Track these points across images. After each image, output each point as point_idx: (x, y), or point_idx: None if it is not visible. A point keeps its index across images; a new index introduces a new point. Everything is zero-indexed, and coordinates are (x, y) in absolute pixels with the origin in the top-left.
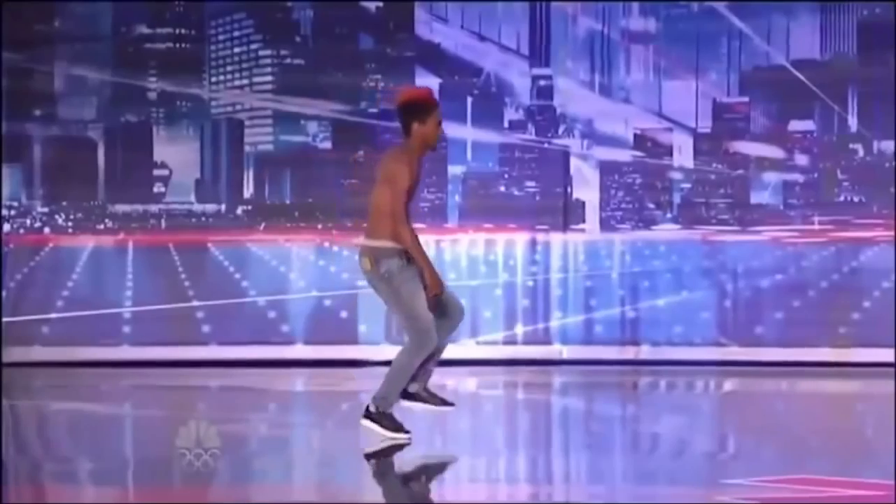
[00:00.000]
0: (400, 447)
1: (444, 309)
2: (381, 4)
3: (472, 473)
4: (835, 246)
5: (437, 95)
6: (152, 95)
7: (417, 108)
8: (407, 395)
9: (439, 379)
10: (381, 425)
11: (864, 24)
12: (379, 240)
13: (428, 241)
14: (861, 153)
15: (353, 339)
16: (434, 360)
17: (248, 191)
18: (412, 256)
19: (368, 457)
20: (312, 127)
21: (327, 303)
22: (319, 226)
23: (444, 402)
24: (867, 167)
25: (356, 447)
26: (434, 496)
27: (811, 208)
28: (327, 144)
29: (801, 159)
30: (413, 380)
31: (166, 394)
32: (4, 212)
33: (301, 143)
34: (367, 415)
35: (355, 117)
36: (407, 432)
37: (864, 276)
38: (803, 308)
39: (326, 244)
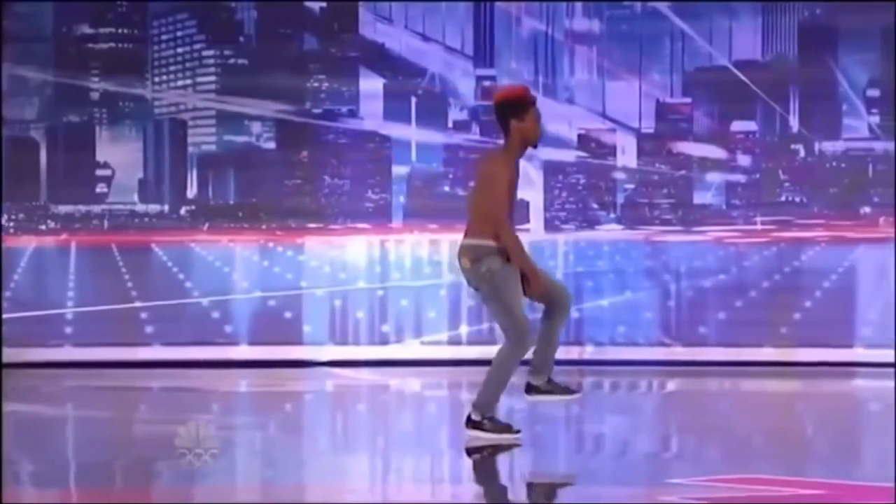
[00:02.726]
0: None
1: (551, 297)
2: (324, 5)
3: (417, 474)
4: (776, 246)
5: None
6: (95, 95)
7: (514, 105)
8: (530, 389)
9: (382, 378)
10: (486, 430)
11: (804, 25)
12: (479, 238)
13: (372, 242)
14: (802, 154)
15: (297, 340)
16: (552, 353)
17: (191, 191)
18: (511, 256)
19: (469, 450)
20: (256, 127)
21: (271, 303)
22: (263, 226)
23: (569, 391)
24: (808, 168)
25: (299, 448)
26: (377, 496)
27: (753, 209)
28: (271, 145)
29: (744, 160)
30: (534, 373)
31: (109, 395)
32: None
33: (245, 143)
34: (472, 423)
35: (299, 117)
36: (517, 431)
37: (806, 277)
38: (746, 308)
39: (270, 244)
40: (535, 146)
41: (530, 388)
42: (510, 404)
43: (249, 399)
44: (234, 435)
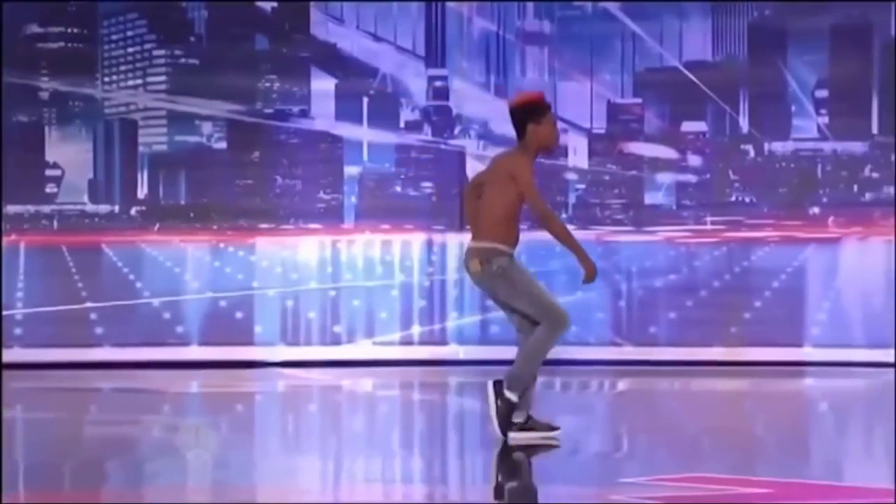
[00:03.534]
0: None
1: (550, 318)
2: (276, 5)
3: (368, 474)
4: (726, 246)
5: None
6: (44, 95)
7: (532, 110)
8: (511, 426)
9: (334, 379)
10: (497, 405)
11: (754, 26)
12: (491, 242)
13: (324, 242)
14: (752, 154)
15: (248, 341)
16: (534, 368)
17: (142, 191)
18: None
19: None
20: (207, 127)
21: (223, 304)
22: (215, 226)
23: (550, 427)
24: (758, 168)
25: (250, 448)
26: (328, 497)
27: (703, 209)
28: (222, 145)
29: (694, 160)
30: (517, 409)
31: (59, 396)
32: None
33: (196, 143)
34: (497, 386)
35: (250, 118)
36: (557, 428)
37: (755, 276)
38: (696, 308)
39: (222, 245)
40: (550, 151)
41: (497, 385)
42: (472, 404)
43: (201, 400)
44: (185, 436)
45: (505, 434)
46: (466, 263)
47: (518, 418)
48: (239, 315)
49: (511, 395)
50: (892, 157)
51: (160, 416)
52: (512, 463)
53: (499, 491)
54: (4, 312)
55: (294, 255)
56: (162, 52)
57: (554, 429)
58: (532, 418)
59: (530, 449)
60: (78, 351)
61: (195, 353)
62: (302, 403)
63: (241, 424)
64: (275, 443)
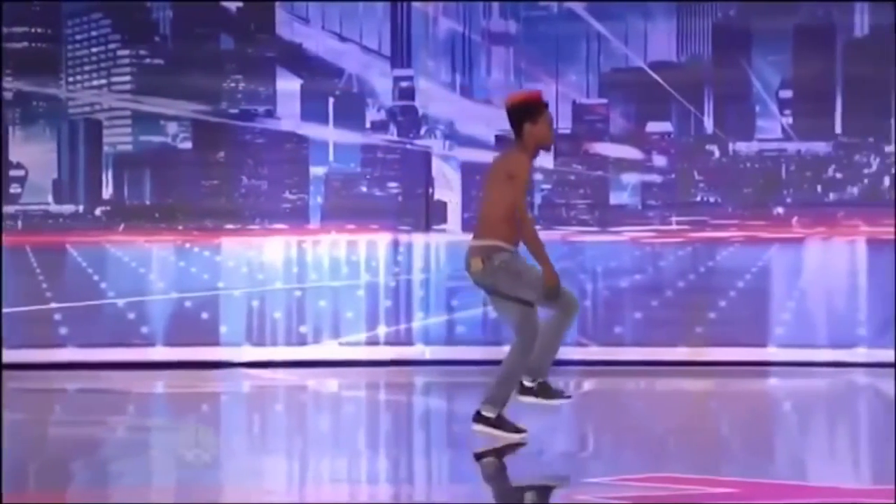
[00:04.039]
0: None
1: (561, 303)
2: (241, 5)
3: (334, 474)
4: (691, 246)
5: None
6: (8, 95)
7: (528, 109)
8: (525, 391)
9: (299, 379)
10: (502, 430)
11: (718, 27)
12: (491, 239)
13: (289, 243)
14: (717, 154)
15: (214, 341)
16: (551, 357)
17: (106, 191)
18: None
19: (478, 456)
20: (172, 127)
21: (188, 304)
22: (180, 226)
23: (561, 395)
24: (723, 168)
25: (216, 449)
26: (294, 497)
27: (669, 209)
28: (187, 145)
29: (659, 160)
30: (531, 373)
31: (23, 397)
32: None
33: (161, 143)
34: (482, 420)
35: (216, 118)
36: (523, 431)
37: (720, 276)
38: (661, 308)
39: (187, 245)
40: (547, 149)
41: (524, 390)
42: (438, 404)
43: (165, 400)
44: (150, 436)
45: (520, 430)
46: (467, 262)
47: (531, 382)
48: (204, 315)
49: (494, 416)
50: (856, 158)
51: (125, 416)
52: (478, 463)
53: (465, 491)
54: None
55: (260, 255)
56: (126, 52)
57: (521, 431)
58: (503, 418)
59: (496, 449)
60: (42, 352)
61: (160, 353)
62: (267, 404)
63: (206, 425)
64: (240, 443)
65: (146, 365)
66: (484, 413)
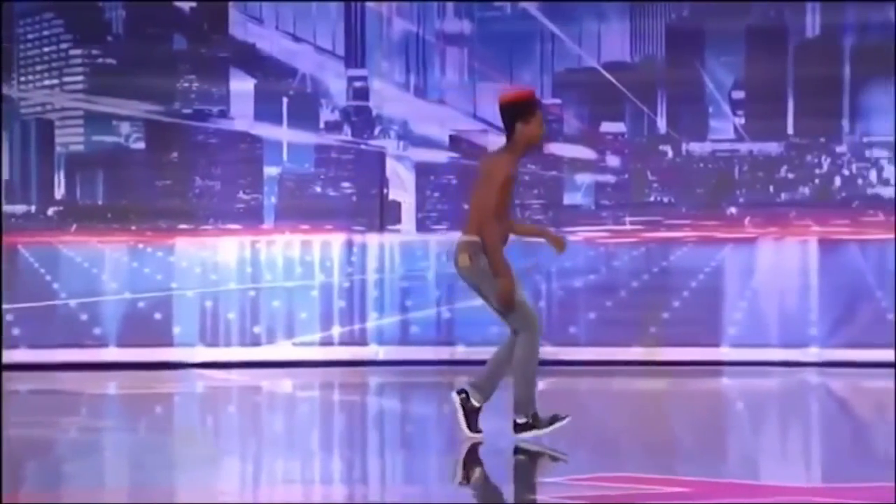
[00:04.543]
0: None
1: (520, 318)
2: (194, 5)
3: (287, 475)
4: (645, 246)
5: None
6: None
7: (521, 108)
8: (461, 393)
9: (253, 380)
10: (538, 428)
11: (671, 27)
12: (478, 235)
13: (243, 243)
14: (670, 155)
15: (167, 342)
16: (502, 374)
17: (59, 192)
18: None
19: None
20: (125, 127)
21: (141, 305)
22: (133, 227)
23: (478, 430)
24: (676, 168)
25: (169, 450)
26: (248, 497)
27: (622, 209)
28: (140, 145)
29: (613, 160)
30: (477, 389)
31: None
32: None
33: (113, 143)
34: (520, 428)
35: (169, 118)
36: (564, 417)
37: (674, 276)
38: (615, 308)
39: (140, 245)
40: (538, 149)
41: (461, 393)
42: (391, 405)
43: (119, 401)
44: (103, 437)
45: (560, 419)
46: (455, 257)
47: (478, 400)
48: (157, 316)
49: (527, 419)
50: (807, 158)
51: (77, 418)
52: (432, 463)
53: (417, 492)
54: None
55: (213, 255)
56: (79, 51)
57: (563, 418)
58: (537, 416)
59: (450, 450)
60: None
61: (113, 354)
62: (221, 405)
63: (159, 426)
64: (193, 444)
65: (99, 366)
66: (518, 421)
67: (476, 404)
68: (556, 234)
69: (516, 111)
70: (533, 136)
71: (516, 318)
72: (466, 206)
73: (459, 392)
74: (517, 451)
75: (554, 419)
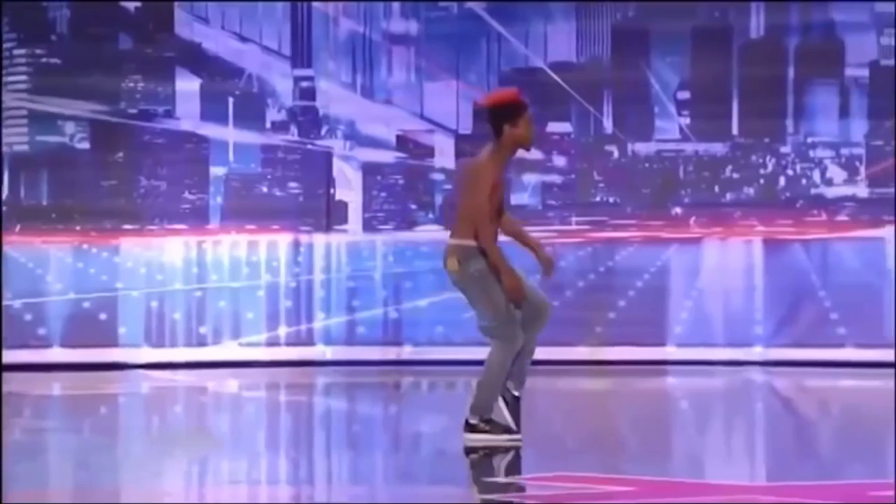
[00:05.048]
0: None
1: (530, 307)
2: (139, 4)
3: (233, 475)
4: (591, 246)
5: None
6: None
7: (508, 110)
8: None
9: (199, 380)
10: (488, 433)
11: (617, 28)
12: (467, 239)
13: (189, 243)
14: (616, 155)
15: (112, 342)
16: (528, 361)
17: (3, 192)
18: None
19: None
20: (70, 127)
21: (86, 305)
22: (78, 227)
23: (510, 430)
24: (622, 168)
25: (114, 451)
26: (193, 497)
27: (569, 209)
28: (85, 145)
29: (559, 160)
30: (512, 382)
31: None
32: None
33: (58, 143)
34: (470, 428)
35: (114, 118)
36: (516, 432)
37: (619, 276)
38: (561, 307)
39: (85, 246)
40: (528, 150)
41: (468, 426)
42: (338, 405)
43: (63, 402)
44: (47, 439)
45: (514, 430)
46: (445, 260)
47: (516, 390)
48: (103, 316)
49: (479, 422)
50: (752, 158)
51: (21, 419)
52: (378, 463)
53: (363, 492)
54: None
55: (159, 255)
56: (23, 51)
57: (515, 432)
58: (492, 421)
59: (396, 449)
60: None
61: (57, 355)
62: (167, 405)
63: (102, 427)
64: (138, 445)
65: (43, 367)
66: (471, 422)
67: (515, 393)
68: (547, 255)
69: (503, 113)
70: (522, 136)
71: (501, 326)
72: (455, 208)
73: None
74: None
75: (508, 430)
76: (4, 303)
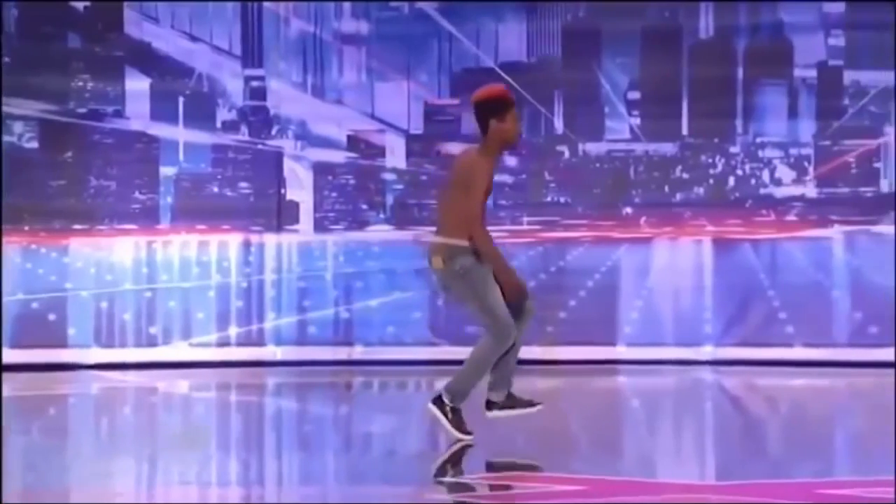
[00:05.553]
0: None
1: (512, 305)
2: (88, 4)
3: (183, 476)
4: (542, 246)
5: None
6: None
7: (495, 106)
8: (490, 405)
9: (149, 381)
10: (447, 418)
11: (568, 28)
12: (452, 237)
13: (139, 243)
14: (567, 155)
15: (61, 343)
16: (514, 360)
17: None
18: (484, 258)
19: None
20: (18, 127)
21: (35, 305)
22: (26, 227)
23: (531, 403)
24: (573, 169)
25: (64, 452)
26: (142, 498)
27: (520, 209)
28: (34, 145)
29: (510, 160)
30: (494, 389)
31: None
32: None
33: (7, 143)
34: (437, 403)
35: (63, 117)
36: (469, 434)
37: (570, 276)
38: None
39: (34, 246)
40: (514, 147)
41: (490, 405)
42: (288, 405)
43: (12, 404)
44: None
45: (467, 431)
46: (429, 259)
47: (497, 398)
48: (52, 317)
49: (455, 404)
50: (702, 158)
51: None
52: (329, 464)
53: (315, 492)
54: None
55: (109, 256)
56: None
57: (534, 404)
58: (512, 395)
59: (348, 450)
60: None
61: (6, 355)
62: (116, 406)
63: (53, 428)
64: (88, 446)
65: None
66: (444, 399)
67: (498, 400)
68: (512, 282)
69: (490, 109)
70: (508, 132)
71: (491, 322)
72: (438, 205)
73: (488, 408)
74: (412, 450)
75: (462, 428)
76: None
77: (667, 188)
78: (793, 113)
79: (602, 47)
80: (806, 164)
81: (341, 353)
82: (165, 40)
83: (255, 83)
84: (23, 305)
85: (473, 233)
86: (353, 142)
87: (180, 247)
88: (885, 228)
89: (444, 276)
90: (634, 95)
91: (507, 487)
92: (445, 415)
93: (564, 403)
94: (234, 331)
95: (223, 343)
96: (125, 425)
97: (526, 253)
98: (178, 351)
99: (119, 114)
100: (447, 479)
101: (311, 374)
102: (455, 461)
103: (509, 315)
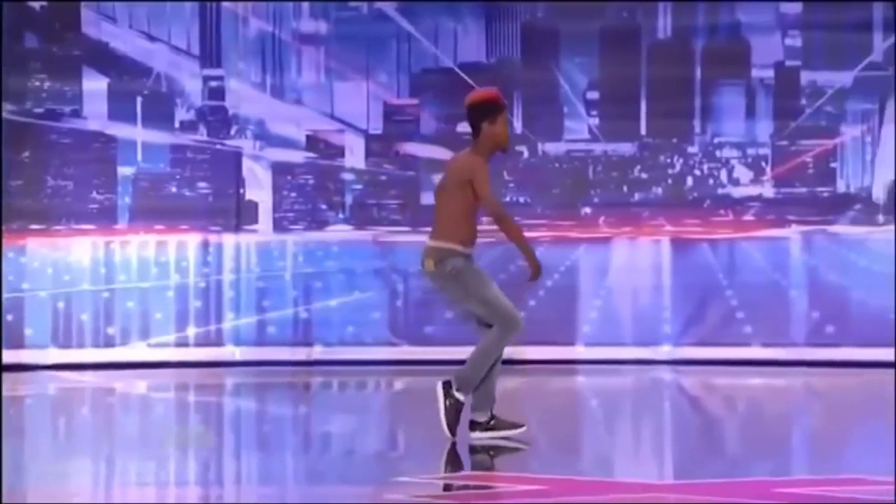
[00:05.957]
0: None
1: (499, 319)
2: (45, 3)
3: (140, 477)
4: (501, 246)
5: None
6: None
7: (487, 109)
8: (474, 426)
9: (107, 381)
10: (445, 408)
11: (527, 28)
12: (447, 242)
13: (97, 243)
14: (526, 155)
15: (18, 343)
16: (495, 380)
17: None
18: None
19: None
20: None
21: None
22: None
23: (514, 425)
24: (532, 169)
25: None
26: (100, 498)
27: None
28: None
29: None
30: (477, 409)
31: None
32: None
33: None
34: (445, 387)
35: (20, 117)
36: (454, 436)
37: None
38: None
39: None
40: (505, 150)
41: (474, 426)
42: (247, 405)
43: None
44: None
45: (453, 433)
46: (422, 262)
47: (481, 417)
48: (9, 318)
49: (460, 396)
50: (660, 158)
51: None
52: (288, 464)
53: (273, 492)
54: None
55: (66, 256)
56: None
57: (518, 426)
58: (496, 417)
59: (307, 450)
60: None
61: None
62: (74, 406)
63: (9, 429)
64: (45, 447)
65: None
66: (453, 385)
67: (483, 420)
68: (537, 263)
69: (482, 112)
70: (499, 135)
71: (494, 314)
72: (435, 209)
73: (472, 429)
74: (371, 450)
75: (452, 427)
76: None
77: (625, 188)
78: (750, 113)
79: (561, 47)
80: (763, 164)
81: (300, 354)
82: (123, 40)
83: (213, 83)
84: None
85: (501, 224)
86: (313, 142)
87: (138, 247)
88: (842, 228)
89: (437, 278)
90: (593, 95)
91: (466, 487)
92: (445, 405)
93: (523, 403)
94: (192, 331)
95: (182, 343)
96: (82, 426)
97: (486, 253)
98: (136, 351)
99: (77, 114)
100: (404, 479)
101: (270, 375)
102: (416, 461)
103: (512, 305)
